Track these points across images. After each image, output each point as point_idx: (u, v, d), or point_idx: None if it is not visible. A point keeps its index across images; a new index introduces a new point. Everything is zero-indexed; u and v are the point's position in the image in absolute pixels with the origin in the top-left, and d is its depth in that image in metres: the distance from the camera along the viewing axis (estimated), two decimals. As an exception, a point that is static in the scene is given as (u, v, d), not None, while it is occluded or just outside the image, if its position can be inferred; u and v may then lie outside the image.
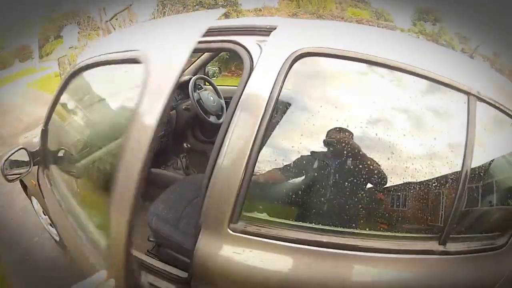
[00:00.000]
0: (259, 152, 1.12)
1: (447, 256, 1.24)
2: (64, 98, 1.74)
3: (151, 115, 0.91)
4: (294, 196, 1.21)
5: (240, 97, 1.14)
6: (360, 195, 1.19)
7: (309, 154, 1.20)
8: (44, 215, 2.54)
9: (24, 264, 2.77)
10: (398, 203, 1.22)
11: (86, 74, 1.58)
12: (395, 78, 1.21)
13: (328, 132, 1.16)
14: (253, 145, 1.10)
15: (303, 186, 1.24)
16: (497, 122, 1.29)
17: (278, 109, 1.14)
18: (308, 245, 1.15)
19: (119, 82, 1.55)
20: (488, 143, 1.27)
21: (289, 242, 1.15)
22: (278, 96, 1.12)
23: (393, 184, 1.20)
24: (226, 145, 1.13)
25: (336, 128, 1.16)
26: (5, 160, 1.78)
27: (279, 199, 1.26)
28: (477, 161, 1.21)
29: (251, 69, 1.15)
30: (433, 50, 1.38)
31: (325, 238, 1.15)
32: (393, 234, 1.24)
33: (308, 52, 1.15)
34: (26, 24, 19.11)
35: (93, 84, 1.72)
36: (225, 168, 1.14)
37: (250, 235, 1.16)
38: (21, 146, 1.83)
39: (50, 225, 2.54)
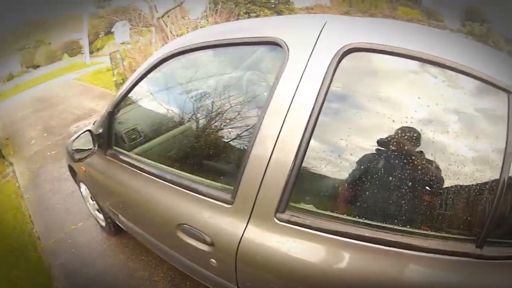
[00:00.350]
0: (308, 145, 1.16)
1: (484, 260, 1.16)
2: (154, 79, 1.84)
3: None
4: (341, 190, 1.23)
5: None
6: (408, 193, 1.16)
7: (359, 149, 1.21)
8: (92, 200, 2.62)
9: (64, 245, 2.89)
10: (442, 203, 1.18)
11: (195, 54, 1.63)
12: (446, 78, 1.18)
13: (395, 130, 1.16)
14: (302, 138, 1.15)
15: (351, 181, 1.23)
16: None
17: (328, 103, 1.17)
18: (352, 239, 1.15)
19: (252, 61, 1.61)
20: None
21: (333, 234, 1.17)
22: (327, 91, 1.16)
23: (441, 185, 1.18)
24: (278, 137, 1.20)
25: (403, 127, 1.15)
26: (72, 141, 1.89)
27: (326, 192, 1.27)
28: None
29: None
30: (479, 49, 1.30)
31: (369, 233, 1.15)
32: (435, 233, 1.18)
33: (356, 48, 1.18)
34: (73, 20, 20.01)
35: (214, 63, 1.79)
36: (275, 159, 1.19)
37: (296, 225, 1.20)
38: (87, 129, 1.92)
39: (98, 210, 2.62)
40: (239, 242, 1.31)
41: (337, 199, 1.25)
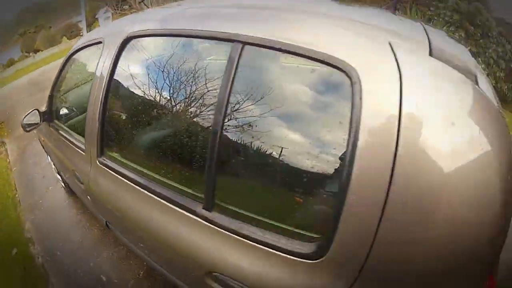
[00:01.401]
0: (105, 108, 1.59)
1: (212, 226, 1.18)
2: (64, 72, 2.38)
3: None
4: (129, 144, 1.63)
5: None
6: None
7: (141, 113, 1.53)
8: (54, 166, 3.20)
9: (37, 205, 3.53)
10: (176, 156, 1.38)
11: (78, 55, 2.19)
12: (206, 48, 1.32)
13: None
14: (100, 104, 1.59)
15: (137, 138, 1.58)
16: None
17: (117, 78, 1.59)
18: (135, 184, 1.46)
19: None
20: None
21: (127, 179, 1.50)
22: (114, 70, 1.58)
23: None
24: (93, 97, 1.65)
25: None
26: (24, 118, 2.45)
27: (123, 144, 1.66)
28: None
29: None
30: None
31: (135, 176, 1.47)
32: (174, 184, 1.34)
33: (133, 36, 1.54)
34: (74, 3, 20.15)
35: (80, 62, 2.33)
36: (92, 118, 1.65)
37: (107, 168, 1.62)
38: (34, 108, 2.48)
39: (58, 173, 3.19)
40: (88, 180, 1.77)
41: (125, 152, 1.62)
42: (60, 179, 3.22)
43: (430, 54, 0.89)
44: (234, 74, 1.10)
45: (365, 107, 0.85)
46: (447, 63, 0.87)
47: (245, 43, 1.09)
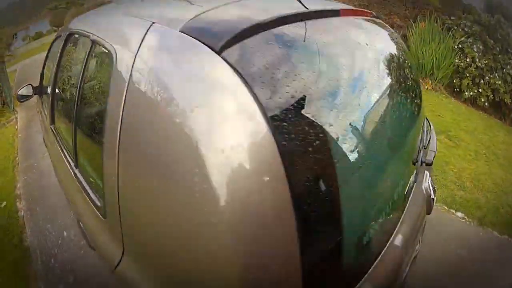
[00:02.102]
0: (55, 88, 2.01)
1: (76, 179, 1.47)
2: (50, 54, 2.77)
3: None
4: (59, 112, 2.05)
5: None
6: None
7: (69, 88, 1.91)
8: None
9: (31, 168, 4.03)
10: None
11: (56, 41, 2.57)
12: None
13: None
14: (51, 85, 2.05)
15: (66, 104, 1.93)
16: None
17: (61, 68, 2.03)
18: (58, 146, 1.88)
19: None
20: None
21: (56, 141, 1.91)
22: (61, 59, 2.01)
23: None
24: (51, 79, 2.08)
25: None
26: (19, 90, 2.86)
27: (58, 114, 2.06)
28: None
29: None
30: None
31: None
32: (71, 145, 1.64)
33: (72, 32, 1.90)
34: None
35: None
36: (49, 91, 2.11)
37: (52, 132, 2.03)
38: (28, 83, 2.89)
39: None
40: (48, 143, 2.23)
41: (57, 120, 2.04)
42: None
43: (181, 30, 0.93)
44: (85, 63, 1.46)
45: (113, 75, 1.04)
46: (192, 35, 0.90)
47: (93, 41, 1.40)
